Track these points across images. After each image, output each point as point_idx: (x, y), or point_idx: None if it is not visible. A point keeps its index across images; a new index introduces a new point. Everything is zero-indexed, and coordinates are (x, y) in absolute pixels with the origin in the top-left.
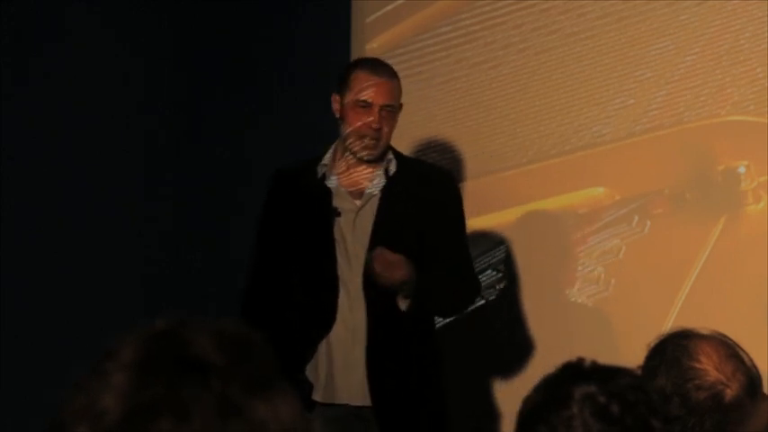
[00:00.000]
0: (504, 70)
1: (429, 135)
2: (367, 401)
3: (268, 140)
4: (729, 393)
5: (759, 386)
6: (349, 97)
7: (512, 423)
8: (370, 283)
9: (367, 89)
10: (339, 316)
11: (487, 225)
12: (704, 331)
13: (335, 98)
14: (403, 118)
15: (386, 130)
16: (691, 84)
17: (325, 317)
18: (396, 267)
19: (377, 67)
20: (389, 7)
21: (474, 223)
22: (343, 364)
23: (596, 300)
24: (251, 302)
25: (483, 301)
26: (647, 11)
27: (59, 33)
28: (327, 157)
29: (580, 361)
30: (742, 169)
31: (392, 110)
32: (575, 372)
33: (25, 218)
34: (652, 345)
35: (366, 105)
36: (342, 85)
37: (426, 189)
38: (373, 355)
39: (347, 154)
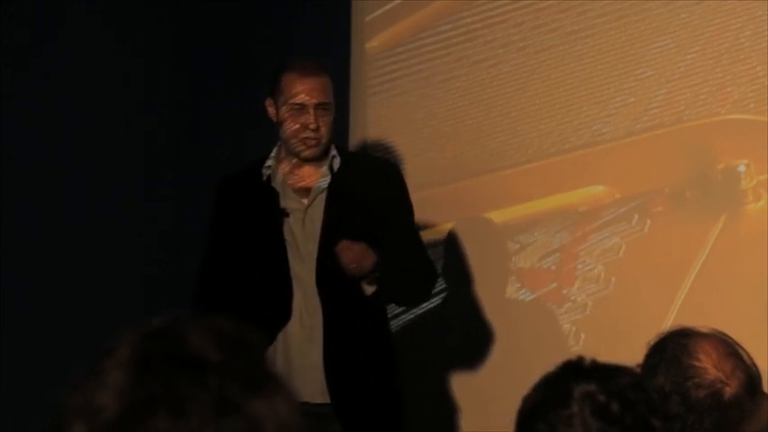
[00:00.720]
0: (503, 69)
1: (429, 133)
2: (326, 399)
3: (268, 140)
4: (729, 391)
5: (758, 384)
6: (282, 101)
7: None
8: (324, 280)
9: (299, 91)
10: (295, 315)
11: (487, 224)
12: (704, 329)
13: (270, 103)
14: (403, 116)
15: (323, 127)
16: (691, 82)
17: (280, 316)
18: (364, 256)
19: (306, 67)
20: (389, 6)
21: (474, 222)
22: (300, 362)
23: (596, 298)
24: (201, 307)
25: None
26: (647, 9)
27: (59, 33)
28: (271, 160)
29: (580, 359)
30: (742, 168)
31: (327, 107)
32: (574, 370)
33: (25, 218)
34: (652, 343)
35: (301, 107)
36: (274, 89)
37: (372, 183)
38: (331, 353)
39: (290, 156)
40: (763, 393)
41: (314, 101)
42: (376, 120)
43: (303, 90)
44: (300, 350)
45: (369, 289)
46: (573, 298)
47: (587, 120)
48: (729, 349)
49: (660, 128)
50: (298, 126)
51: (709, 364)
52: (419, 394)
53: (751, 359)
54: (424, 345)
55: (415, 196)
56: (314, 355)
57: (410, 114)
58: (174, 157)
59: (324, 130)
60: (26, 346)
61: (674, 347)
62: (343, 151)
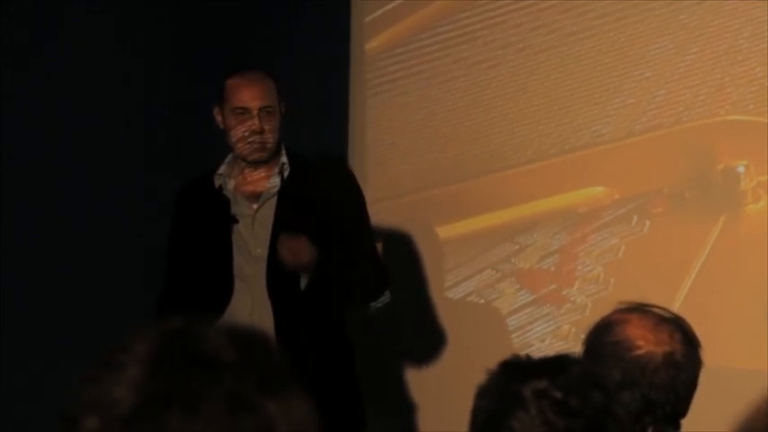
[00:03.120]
0: (503, 70)
1: (428, 134)
2: None
3: None
4: (678, 355)
5: (689, 329)
6: (227, 107)
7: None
8: (275, 282)
9: (241, 95)
10: (245, 315)
11: (486, 224)
12: (615, 317)
13: (217, 110)
14: (402, 117)
15: (269, 130)
16: (690, 83)
17: (214, 314)
18: (301, 249)
19: (248, 72)
20: (389, 7)
21: (473, 223)
22: None
23: (596, 299)
24: (163, 311)
25: (482, 301)
26: (646, 10)
27: (59, 33)
28: (223, 168)
29: (517, 358)
30: (741, 168)
31: (271, 110)
32: (518, 370)
33: (25, 218)
34: (581, 352)
35: (244, 111)
36: (219, 96)
37: (324, 186)
38: (283, 353)
39: (241, 163)
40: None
41: (257, 104)
42: (375, 120)
43: (246, 94)
44: None
45: (303, 281)
46: (572, 299)
47: (586, 121)
48: (653, 318)
49: (659, 129)
50: (243, 130)
51: (651, 345)
52: (379, 393)
53: (667, 310)
54: (383, 344)
55: (414, 198)
56: None
57: (410, 115)
58: (174, 157)
59: (269, 133)
60: (26, 346)
61: (604, 348)
62: (294, 155)
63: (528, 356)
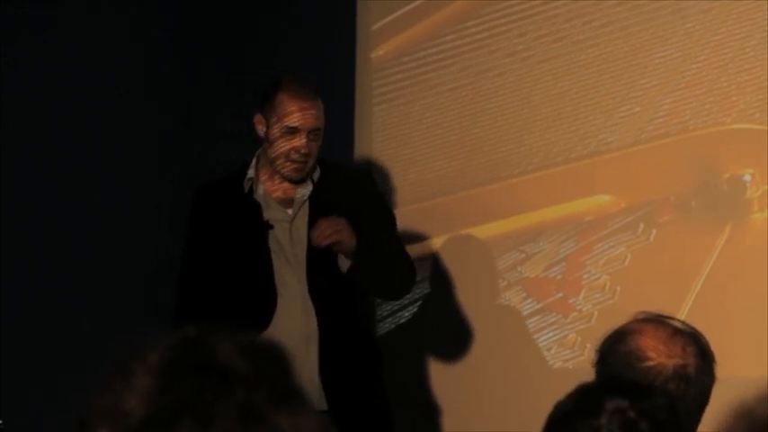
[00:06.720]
0: (509, 78)
1: (435, 143)
2: (322, 406)
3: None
4: (691, 369)
5: (706, 344)
6: (275, 121)
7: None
8: (317, 287)
9: (294, 115)
10: (287, 321)
11: (493, 233)
12: (631, 326)
13: (259, 119)
14: (409, 125)
15: (313, 153)
16: (696, 92)
17: (261, 324)
18: (343, 228)
19: (302, 90)
20: (395, 15)
21: (480, 231)
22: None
23: (602, 308)
24: (183, 318)
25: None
26: (652, 19)
27: (59, 33)
28: (251, 171)
29: (618, 375)
30: (747, 177)
31: (318, 133)
32: (611, 384)
33: (26, 217)
34: (593, 362)
35: (293, 131)
36: (266, 106)
37: (350, 192)
38: (327, 359)
39: (268, 166)
40: None
41: (308, 126)
42: (381, 128)
43: (299, 114)
44: (296, 359)
45: (345, 263)
46: (578, 307)
47: (593, 129)
48: (668, 329)
49: (665, 137)
50: (288, 148)
51: (662, 357)
52: (404, 396)
53: (684, 323)
54: (412, 348)
55: (420, 206)
56: (310, 360)
57: (415, 123)
58: (174, 157)
59: (312, 156)
60: (27, 346)
61: (618, 358)
62: (321, 161)
63: (632, 380)
